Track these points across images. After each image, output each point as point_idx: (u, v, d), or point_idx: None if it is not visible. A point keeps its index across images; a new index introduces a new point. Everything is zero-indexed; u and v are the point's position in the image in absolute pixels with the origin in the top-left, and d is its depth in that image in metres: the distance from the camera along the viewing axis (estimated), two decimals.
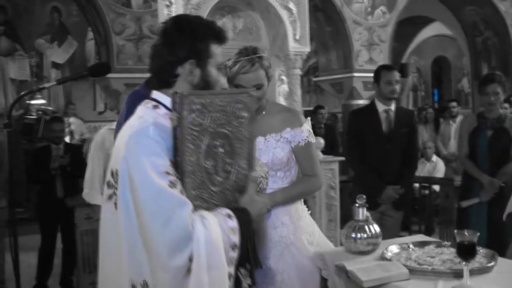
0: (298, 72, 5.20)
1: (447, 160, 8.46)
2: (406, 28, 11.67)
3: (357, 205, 2.61)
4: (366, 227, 2.56)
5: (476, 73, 10.11)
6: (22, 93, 2.62)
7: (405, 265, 2.27)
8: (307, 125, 2.72)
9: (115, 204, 1.77)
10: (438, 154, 8.60)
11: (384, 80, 4.35)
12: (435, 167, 8.15)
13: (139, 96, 2.18)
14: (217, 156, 1.82)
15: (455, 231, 2.13)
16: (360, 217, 2.60)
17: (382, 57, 8.68)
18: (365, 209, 2.61)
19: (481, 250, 2.34)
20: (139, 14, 6.94)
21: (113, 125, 4.42)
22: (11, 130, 2.47)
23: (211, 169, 1.81)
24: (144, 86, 2.34)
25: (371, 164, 4.34)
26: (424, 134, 9.17)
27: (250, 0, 5.03)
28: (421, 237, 2.93)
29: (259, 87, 2.53)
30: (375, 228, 2.58)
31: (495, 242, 3.61)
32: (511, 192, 4.28)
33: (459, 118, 8.28)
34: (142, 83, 2.41)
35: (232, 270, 1.79)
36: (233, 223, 1.79)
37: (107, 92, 7.37)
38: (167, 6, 4.89)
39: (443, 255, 2.40)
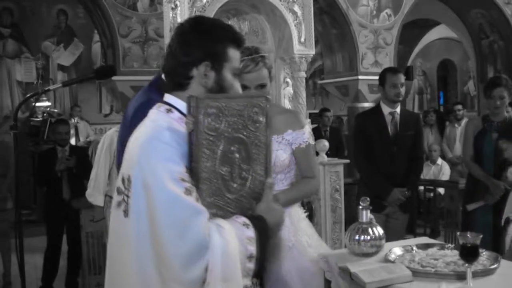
0: (303, 74, 5.20)
1: (452, 163, 8.45)
2: (412, 31, 11.67)
3: (360, 207, 2.62)
4: (370, 229, 2.57)
5: (482, 76, 10.09)
6: (28, 95, 2.65)
7: (409, 267, 2.28)
8: (308, 126, 2.73)
9: (124, 211, 1.71)
10: (444, 157, 8.59)
11: (389, 83, 4.36)
12: (440, 170, 8.14)
13: (145, 98, 2.18)
14: (233, 162, 1.76)
15: (458, 233, 2.14)
16: (364, 219, 2.61)
17: (388, 60, 8.68)
18: (369, 212, 2.62)
19: (484, 252, 2.35)
20: (145, 17, 6.97)
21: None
22: (18, 132, 2.48)
23: (227, 176, 1.75)
24: (148, 88, 2.30)
25: (378, 166, 4.35)
26: (429, 137, 9.17)
27: (255, 2, 5.04)
28: (424, 240, 2.93)
29: (262, 86, 2.55)
30: (379, 230, 2.59)
31: (500, 245, 3.60)
32: None
33: (464, 121, 8.27)
34: (146, 85, 2.36)
35: (248, 282, 1.72)
36: (250, 232, 1.71)
37: (113, 94, 7.41)
38: (173, 9, 4.91)
39: (447, 257, 2.41)
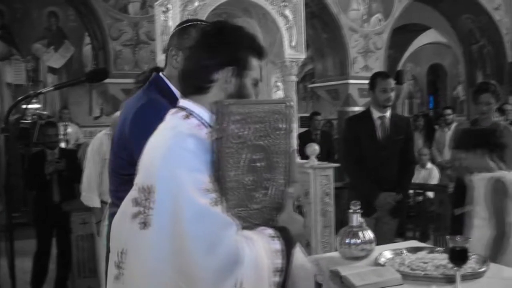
0: (294, 78, 5.22)
1: (442, 167, 8.50)
2: (402, 35, 11.74)
3: (351, 211, 2.64)
4: (360, 233, 2.59)
5: (471, 81, 10.18)
6: (20, 98, 2.63)
7: (399, 271, 2.30)
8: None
9: (143, 223, 1.60)
10: (433, 161, 8.64)
11: (379, 87, 4.37)
12: (430, 174, 8.19)
13: (146, 99, 2.10)
14: (257, 171, 1.68)
15: (447, 237, 2.16)
16: (354, 223, 2.62)
17: (378, 64, 8.73)
18: (359, 215, 2.64)
19: (472, 256, 2.37)
20: (136, 20, 6.98)
21: (110, 130, 4.46)
22: (9, 135, 2.47)
23: (250, 185, 1.67)
24: (148, 88, 2.20)
25: (367, 170, 4.36)
26: (419, 141, 9.22)
27: (247, 7, 5.06)
28: (414, 243, 2.96)
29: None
30: (369, 234, 2.61)
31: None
32: None
33: (454, 125, 8.33)
34: (145, 85, 2.24)
35: None
36: (278, 245, 1.64)
37: (103, 97, 7.40)
38: (164, 12, 4.92)
39: (436, 260, 2.44)
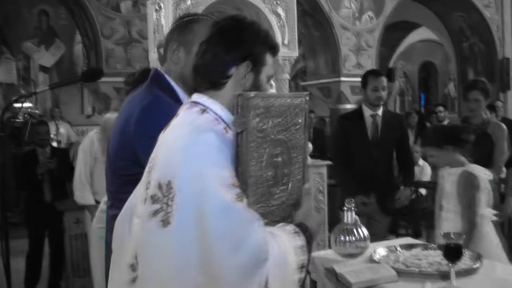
0: (287, 76, 5.22)
1: (433, 164, 8.52)
2: (393, 33, 11.78)
3: (345, 208, 2.65)
4: (355, 230, 2.60)
5: (462, 78, 10.24)
6: (14, 98, 2.63)
7: (393, 267, 2.31)
8: None
9: (163, 221, 1.54)
10: (425, 158, 8.67)
11: (370, 86, 4.37)
12: (422, 171, 8.21)
13: (152, 97, 2.00)
14: (277, 166, 1.64)
15: (441, 233, 2.18)
16: (349, 220, 2.64)
17: (370, 62, 8.76)
18: (353, 213, 2.65)
19: (466, 252, 2.39)
20: (128, 18, 6.97)
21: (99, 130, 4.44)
22: (3, 135, 2.46)
23: (270, 181, 1.63)
24: (150, 84, 2.10)
25: (357, 169, 4.36)
26: (411, 138, 9.26)
27: (239, 5, 5.06)
28: (408, 240, 2.97)
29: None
30: (364, 231, 2.62)
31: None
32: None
33: (445, 123, 8.37)
34: (147, 82, 2.13)
35: None
36: (301, 241, 1.61)
37: (96, 96, 7.38)
38: (157, 10, 4.91)
39: (430, 257, 2.45)
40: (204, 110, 1.66)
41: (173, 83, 2.07)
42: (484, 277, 2.24)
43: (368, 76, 4.45)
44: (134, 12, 6.98)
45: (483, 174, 3.18)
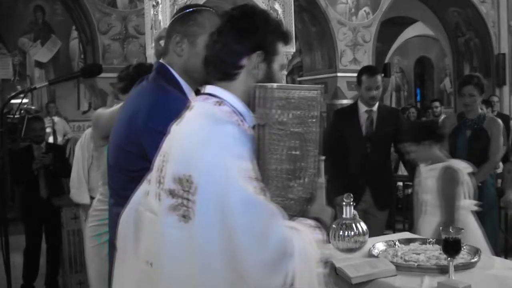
0: (283, 72, 5.24)
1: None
2: (390, 28, 11.80)
3: (344, 203, 2.66)
4: (354, 225, 2.61)
5: (458, 73, 10.26)
6: (13, 93, 2.62)
7: (392, 262, 2.33)
8: None
9: (184, 216, 1.49)
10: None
11: (364, 85, 4.33)
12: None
13: (162, 91, 1.94)
14: (295, 159, 1.61)
15: (440, 228, 2.19)
16: (348, 215, 2.65)
17: (366, 57, 8.78)
18: (352, 207, 2.66)
19: (465, 247, 2.40)
20: (125, 14, 6.95)
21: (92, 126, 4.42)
22: (2, 131, 2.46)
23: (289, 174, 1.60)
24: (156, 77, 2.02)
25: (351, 164, 4.35)
26: None
27: (236, 1, 5.06)
28: (406, 235, 2.99)
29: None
30: (362, 225, 2.64)
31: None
32: (488, 191, 4.39)
33: (442, 118, 8.40)
34: (152, 75, 2.05)
35: None
36: (320, 235, 1.58)
37: (92, 91, 7.38)
38: (154, 6, 4.91)
39: (428, 251, 2.47)
40: (220, 102, 1.61)
41: (177, 76, 2.01)
42: (482, 271, 2.26)
43: (362, 75, 4.39)
44: (130, 8, 6.97)
45: (463, 168, 3.26)
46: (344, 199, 2.68)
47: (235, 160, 1.46)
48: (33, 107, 10.82)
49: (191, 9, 2.06)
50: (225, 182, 1.44)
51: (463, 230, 2.15)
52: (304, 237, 1.51)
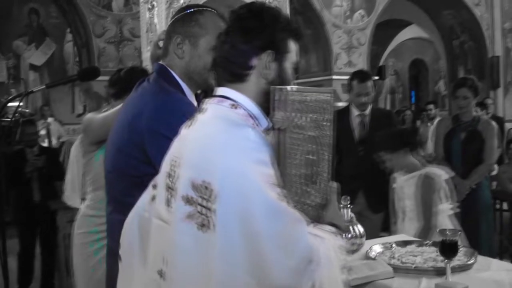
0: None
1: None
2: (384, 31, 11.84)
3: (341, 205, 2.67)
4: (351, 228, 2.62)
5: (453, 76, 10.31)
6: (11, 97, 2.61)
7: (389, 264, 2.33)
8: None
9: (202, 225, 1.41)
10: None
11: (354, 91, 4.30)
12: None
13: (166, 93, 1.86)
14: (311, 164, 1.56)
15: (437, 230, 2.20)
16: (345, 217, 2.65)
17: (361, 60, 8.80)
18: (349, 210, 2.67)
19: (461, 249, 2.41)
20: (120, 17, 6.96)
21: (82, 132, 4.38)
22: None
23: (306, 180, 1.56)
24: (157, 79, 1.94)
25: (344, 167, 4.34)
26: None
27: (232, 4, 5.07)
28: (403, 237, 3.00)
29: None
30: (359, 228, 2.64)
31: (468, 240, 3.70)
32: (483, 193, 4.41)
33: (436, 120, 8.43)
34: (153, 76, 1.97)
35: None
36: (341, 241, 1.51)
37: (87, 94, 7.37)
38: (149, 9, 4.92)
39: (425, 253, 2.47)
40: (235, 104, 1.53)
41: (178, 78, 1.94)
42: (478, 273, 2.27)
43: (353, 80, 4.35)
44: (126, 11, 6.98)
45: (440, 174, 3.27)
46: (341, 201, 2.68)
47: (257, 166, 1.39)
48: (27, 110, 10.79)
49: (192, 9, 1.98)
50: (247, 189, 1.37)
51: (460, 233, 2.16)
52: (328, 244, 1.45)
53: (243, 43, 1.54)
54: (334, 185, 1.64)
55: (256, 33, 1.55)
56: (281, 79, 1.58)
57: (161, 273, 1.51)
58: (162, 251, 1.51)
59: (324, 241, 1.44)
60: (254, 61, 1.55)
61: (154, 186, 1.62)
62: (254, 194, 1.36)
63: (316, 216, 1.59)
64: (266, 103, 1.54)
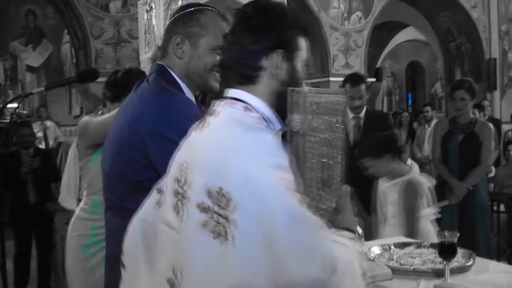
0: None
1: (421, 163, 8.60)
2: (381, 33, 11.86)
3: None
4: None
5: (449, 78, 10.33)
6: (10, 98, 2.60)
7: (388, 266, 2.33)
8: None
9: (220, 234, 1.33)
10: (413, 157, 8.74)
11: (348, 94, 4.27)
12: (410, 170, 8.26)
13: (168, 94, 1.81)
14: (325, 167, 1.52)
15: (436, 232, 2.21)
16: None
17: (359, 62, 8.82)
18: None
19: (459, 250, 2.42)
20: (117, 18, 6.95)
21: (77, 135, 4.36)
22: None
23: (322, 183, 1.52)
24: (157, 79, 1.88)
25: None
26: (402, 137, 9.32)
27: (230, 5, 5.08)
28: (401, 239, 3.00)
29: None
30: (358, 229, 2.64)
31: (466, 242, 3.72)
32: (480, 195, 4.42)
33: (433, 122, 8.45)
34: (152, 77, 1.90)
35: None
36: (359, 246, 1.49)
37: (85, 96, 7.36)
38: (147, 11, 4.92)
39: (423, 255, 2.47)
40: (249, 107, 1.46)
41: (177, 79, 1.88)
42: (476, 274, 2.27)
43: (346, 83, 4.32)
44: (123, 12, 6.98)
45: (424, 181, 3.26)
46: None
47: (276, 171, 1.32)
48: (24, 112, 10.76)
49: (192, 9, 1.91)
50: (267, 196, 1.29)
51: (458, 234, 2.16)
52: (348, 251, 1.39)
53: (252, 43, 1.48)
54: (347, 189, 1.60)
55: (264, 32, 1.48)
56: (292, 79, 1.52)
57: (172, 283, 1.44)
58: (171, 259, 1.44)
59: (347, 249, 1.39)
60: (264, 62, 1.48)
61: (159, 191, 1.55)
62: (274, 201, 1.29)
63: (331, 221, 1.53)
64: (278, 105, 1.50)
